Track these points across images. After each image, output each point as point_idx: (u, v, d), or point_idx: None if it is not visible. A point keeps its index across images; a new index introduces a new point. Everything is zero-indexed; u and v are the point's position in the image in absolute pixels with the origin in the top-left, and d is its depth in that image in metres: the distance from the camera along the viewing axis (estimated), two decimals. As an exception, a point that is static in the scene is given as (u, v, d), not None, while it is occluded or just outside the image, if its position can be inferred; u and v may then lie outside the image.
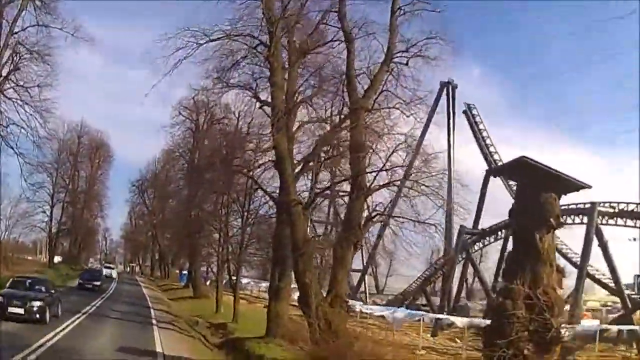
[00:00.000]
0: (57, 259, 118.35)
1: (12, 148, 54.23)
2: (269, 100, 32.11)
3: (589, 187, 18.35)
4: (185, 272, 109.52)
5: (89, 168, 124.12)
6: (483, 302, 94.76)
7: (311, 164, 34.74)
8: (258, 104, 34.05)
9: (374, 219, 30.95)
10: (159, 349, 29.96)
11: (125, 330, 36.19)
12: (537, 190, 17.48)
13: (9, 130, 53.25)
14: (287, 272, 37.40)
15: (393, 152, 30.16)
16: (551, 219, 17.53)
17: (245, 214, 48.42)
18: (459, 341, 54.80)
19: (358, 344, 25.92)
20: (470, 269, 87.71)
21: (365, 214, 31.19)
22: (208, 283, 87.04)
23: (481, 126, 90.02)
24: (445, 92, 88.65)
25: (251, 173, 42.16)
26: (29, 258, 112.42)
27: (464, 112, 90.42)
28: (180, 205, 78.59)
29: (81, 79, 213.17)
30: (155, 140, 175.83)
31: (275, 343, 33.90)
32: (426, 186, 29.48)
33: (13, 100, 52.31)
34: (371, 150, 31.65)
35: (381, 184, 30.86)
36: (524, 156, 17.54)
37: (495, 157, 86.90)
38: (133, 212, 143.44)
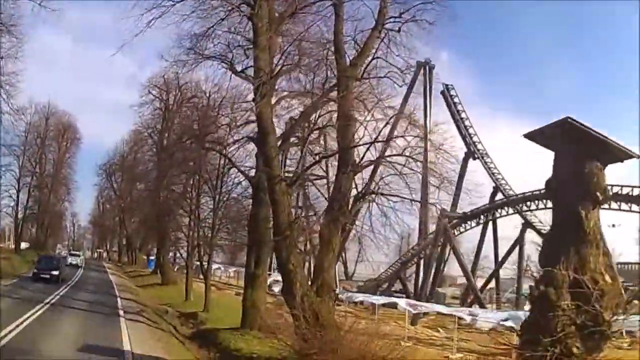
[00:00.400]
0: (24, 245, 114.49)
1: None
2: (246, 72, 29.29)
3: (638, 156, 15.33)
4: (152, 257, 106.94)
5: (56, 151, 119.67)
6: (454, 289, 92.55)
7: (293, 139, 31.67)
8: (234, 75, 30.62)
9: (365, 198, 27.66)
10: (126, 347, 26.54)
11: (90, 324, 32.54)
12: (582, 158, 14.46)
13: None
14: (263, 257, 34.74)
15: (386, 124, 27.04)
16: (597, 193, 14.50)
17: (218, 195, 45.16)
18: (441, 330, 51.84)
19: (348, 336, 22.98)
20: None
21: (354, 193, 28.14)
22: (176, 269, 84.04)
23: (459, 107, 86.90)
24: (422, 72, 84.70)
25: (224, 151, 39.19)
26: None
27: (442, 92, 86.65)
28: (149, 188, 75.54)
29: (49, 61, 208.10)
30: (125, 123, 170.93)
31: (252, 335, 31.60)
32: (421, 162, 26.48)
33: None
34: (359, 123, 28.58)
35: (372, 159, 27.72)
36: (568, 117, 14.34)
37: (475, 138, 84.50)
38: (101, 196, 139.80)
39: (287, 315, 28.94)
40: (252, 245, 35.65)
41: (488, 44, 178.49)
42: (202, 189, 48.89)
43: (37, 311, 33.97)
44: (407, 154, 26.52)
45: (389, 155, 27.15)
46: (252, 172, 36.82)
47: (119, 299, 47.97)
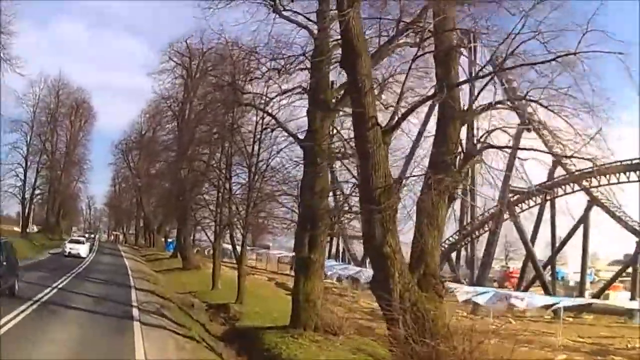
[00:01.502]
0: (35, 228, 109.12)
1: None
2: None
3: None
4: (171, 240, 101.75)
5: (68, 128, 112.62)
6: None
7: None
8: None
9: (479, 152, 19.45)
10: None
11: (91, 334, 22.17)
12: None
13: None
14: (319, 238, 26.66)
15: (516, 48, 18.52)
16: None
17: (255, 163, 37.05)
18: (513, 321, 43.55)
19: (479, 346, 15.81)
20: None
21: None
22: (195, 251, 78.34)
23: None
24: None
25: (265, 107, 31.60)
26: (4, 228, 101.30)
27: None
28: (168, 164, 69.27)
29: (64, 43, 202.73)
30: (139, 105, 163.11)
31: (307, 337, 24.55)
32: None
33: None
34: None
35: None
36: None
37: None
38: (117, 176, 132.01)
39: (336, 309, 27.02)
40: (304, 223, 27.54)
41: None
42: (234, 156, 40.80)
43: (25, 309, 24.73)
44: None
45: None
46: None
47: (133, 291, 38.50)
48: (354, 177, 28.32)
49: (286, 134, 31.84)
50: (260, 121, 36.33)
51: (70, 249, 67.32)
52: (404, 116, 19.41)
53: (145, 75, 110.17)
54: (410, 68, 20.77)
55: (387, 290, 17.43)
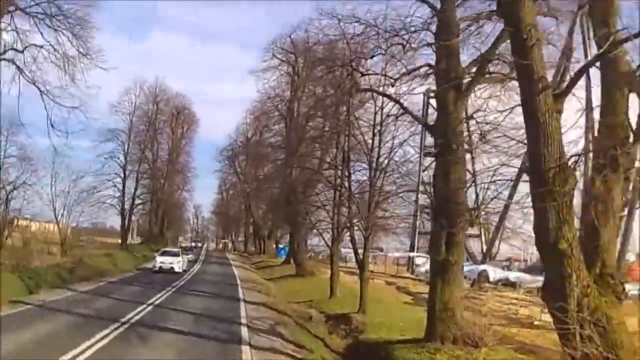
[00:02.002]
0: (138, 239, 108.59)
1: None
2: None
3: None
4: (282, 245, 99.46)
5: (169, 136, 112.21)
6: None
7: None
8: None
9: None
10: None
11: None
12: None
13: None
14: (457, 237, 22.96)
15: None
16: None
17: (376, 157, 33.48)
18: None
19: None
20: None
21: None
22: (308, 256, 73.96)
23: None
24: None
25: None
26: (108, 241, 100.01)
27: None
28: (277, 167, 66.73)
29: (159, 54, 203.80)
30: (241, 113, 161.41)
31: (446, 353, 21.11)
32: None
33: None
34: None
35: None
36: None
37: None
38: (224, 183, 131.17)
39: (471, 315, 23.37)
40: (439, 218, 23.80)
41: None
42: (352, 151, 37.28)
43: (102, 338, 20.56)
44: None
45: None
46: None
47: (242, 305, 34.66)
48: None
49: (408, 122, 28.52)
50: (379, 111, 32.85)
51: (161, 263, 57.12)
52: (576, 77, 15.49)
53: (248, 74, 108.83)
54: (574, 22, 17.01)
55: (561, 296, 13.80)
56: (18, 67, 33.13)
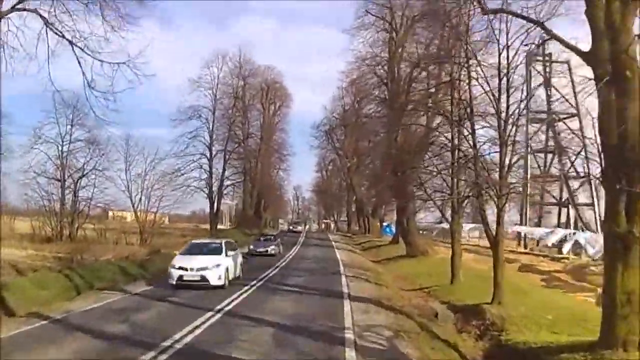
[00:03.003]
0: (228, 225, 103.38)
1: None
2: None
3: None
4: (386, 223, 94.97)
5: (260, 112, 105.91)
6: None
7: None
8: None
9: None
10: None
11: None
12: None
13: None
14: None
15: None
16: None
17: (506, 106, 25.79)
18: None
19: None
20: None
21: None
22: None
23: None
24: None
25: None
26: (200, 226, 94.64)
27: None
28: (380, 136, 61.01)
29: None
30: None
31: None
32: None
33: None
34: None
35: None
36: None
37: None
38: (323, 161, 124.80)
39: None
40: (614, 177, 16.23)
41: None
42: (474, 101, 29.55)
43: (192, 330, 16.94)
44: None
45: None
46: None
47: (347, 303, 26.27)
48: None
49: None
50: (504, 49, 25.24)
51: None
52: None
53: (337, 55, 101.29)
54: None
55: None
56: (43, 18, 25.51)
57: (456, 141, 32.46)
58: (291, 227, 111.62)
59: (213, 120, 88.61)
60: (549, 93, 65.72)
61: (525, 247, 65.74)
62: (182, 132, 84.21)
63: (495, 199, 26.26)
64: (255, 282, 32.53)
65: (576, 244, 50.45)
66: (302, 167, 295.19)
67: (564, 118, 65.46)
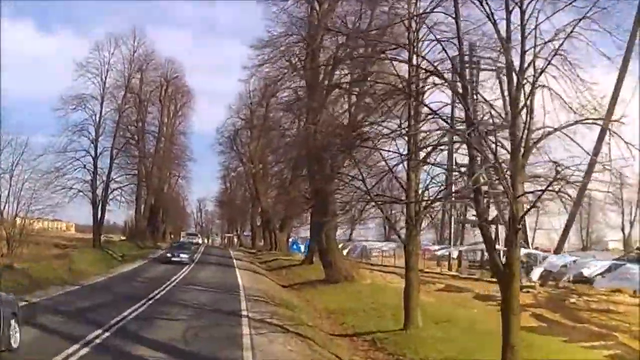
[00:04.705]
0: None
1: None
2: None
3: None
4: (293, 238, 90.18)
5: (159, 109, 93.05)
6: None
7: None
8: None
9: None
10: None
11: None
12: None
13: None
14: None
15: None
16: None
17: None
18: None
19: None
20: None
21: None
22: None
23: None
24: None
25: None
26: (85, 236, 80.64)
27: None
28: (294, 132, 53.35)
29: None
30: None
31: None
32: None
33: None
34: None
35: None
36: None
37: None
38: (226, 171, 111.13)
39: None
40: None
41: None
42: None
43: None
44: None
45: None
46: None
47: None
48: None
49: None
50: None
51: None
52: None
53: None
54: None
55: None
56: None
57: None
58: (185, 240, 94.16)
59: (100, 112, 71.01)
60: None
61: (450, 269, 59.06)
62: (66, 125, 67.43)
63: (512, 202, 15.13)
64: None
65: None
66: (206, 179, 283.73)
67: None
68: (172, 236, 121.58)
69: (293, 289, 41.71)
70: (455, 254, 59.05)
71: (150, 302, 27.71)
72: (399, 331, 23.13)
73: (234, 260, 65.07)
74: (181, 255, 57.21)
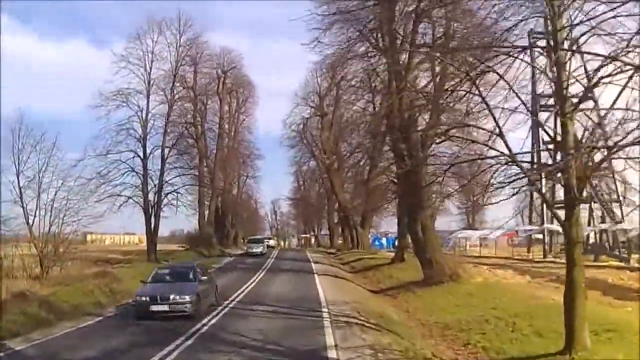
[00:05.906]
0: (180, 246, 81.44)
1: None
2: None
3: None
4: (373, 234, 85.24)
5: (215, 103, 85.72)
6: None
7: None
8: None
9: None
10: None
11: None
12: None
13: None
14: None
15: None
16: None
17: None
18: None
19: None
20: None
21: None
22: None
23: None
24: None
25: None
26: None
27: None
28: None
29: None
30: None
31: None
32: None
33: None
34: None
35: None
36: None
37: None
38: (298, 167, 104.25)
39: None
40: None
41: None
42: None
43: None
44: None
45: None
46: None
47: None
48: None
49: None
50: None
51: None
52: None
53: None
54: None
55: None
56: None
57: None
58: (248, 249, 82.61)
59: (147, 107, 62.94)
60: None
61: (544, 255, 57.18)
62: (107, 125, 59.39)
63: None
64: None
65: None
66: (275, 178, 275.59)
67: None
68: (244, 242, 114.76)
69: (387, 295, 34.42)
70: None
71: (188, 341, 18.80)
72: (559, 356, 15.54)
73: (312, 264, 56.47)
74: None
